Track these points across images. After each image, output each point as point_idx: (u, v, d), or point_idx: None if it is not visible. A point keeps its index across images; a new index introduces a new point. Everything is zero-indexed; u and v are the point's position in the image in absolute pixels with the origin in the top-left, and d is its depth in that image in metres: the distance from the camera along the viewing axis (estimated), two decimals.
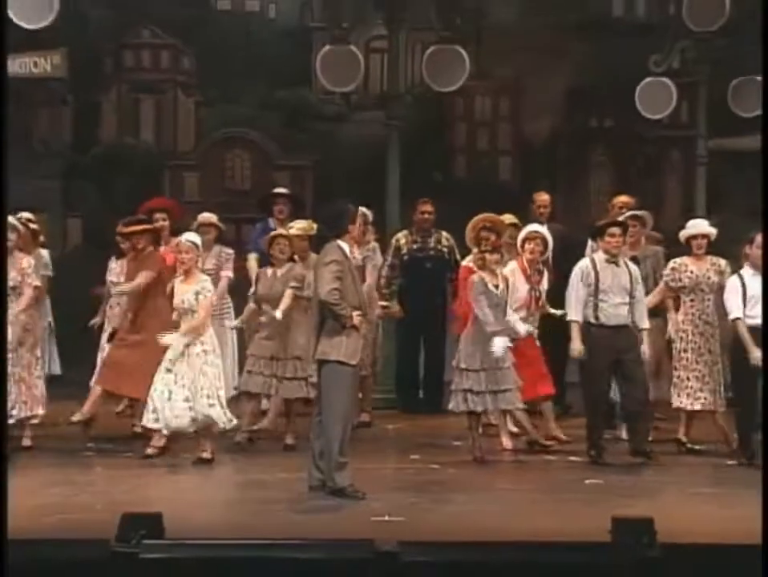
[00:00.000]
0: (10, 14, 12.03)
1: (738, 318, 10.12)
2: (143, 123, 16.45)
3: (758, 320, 10.02)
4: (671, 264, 10.86)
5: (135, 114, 16.44)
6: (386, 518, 8.43)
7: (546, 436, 10.92)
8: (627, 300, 10.38)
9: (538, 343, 10.93)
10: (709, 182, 14.05)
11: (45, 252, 11.87)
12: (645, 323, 10.50)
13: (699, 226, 10.96)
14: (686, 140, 15.04)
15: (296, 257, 11.03)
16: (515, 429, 10.91)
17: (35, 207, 11.96)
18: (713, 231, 10.89)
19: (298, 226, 11.36)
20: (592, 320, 10.34)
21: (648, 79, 14.06)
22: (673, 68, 14.22)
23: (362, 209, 11.91)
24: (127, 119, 16.40)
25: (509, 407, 10.49)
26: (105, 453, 10.63)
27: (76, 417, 10.80)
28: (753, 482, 9.69)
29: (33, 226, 11.65)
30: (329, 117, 16.25)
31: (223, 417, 10.22)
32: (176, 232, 11.07)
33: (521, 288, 10.79)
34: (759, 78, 14.19)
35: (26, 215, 11.69)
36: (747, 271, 10.25)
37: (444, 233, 12.58)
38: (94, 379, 11.06)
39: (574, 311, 10.37)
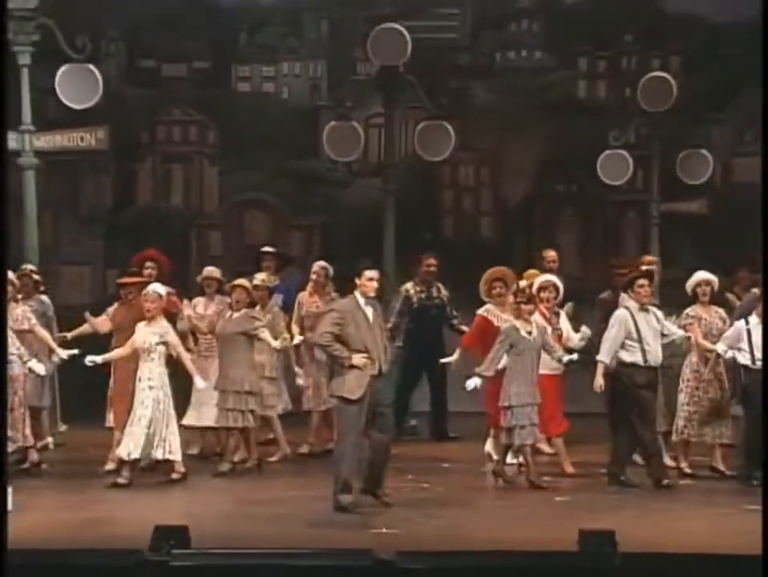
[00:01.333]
0: (61, 97, 12.11)
1: (724, 351, 10.24)
2: (174, 188, 16.48)
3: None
4: (688, 311, 10.69)
5: (166, 181, 16.47)
6: (384, 530, 8.41)
7: (561, 468, 10.66)
8: (659, 341, 10.28)
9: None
10: (662, 240, 14.08)
11: (45, 298, 11.57)
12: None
13: (703, 274, 10.81)
14: (641, 204, 15.05)
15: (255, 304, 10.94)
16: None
17: (82, 261, 11.95)
18: (715, 279, 10.80)
19: (259, 277, 11.35)
20: (641, 363, 10.17)
21: (608, 151, 14.12)
22: (629, 142, 14.28)
23: (323, 264, 11.94)
24: (160, 185, 16.43)
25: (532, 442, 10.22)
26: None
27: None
28: (702, 500, 9.71)
29: (35, 277, 11.45)
30: (334, 183, 16.27)
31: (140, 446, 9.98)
32: (163, 280, 10.92)
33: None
34: (703, 150, 14.31)
35: (29, 266, 11.52)
36: (753, 318, 10.23)
37: (439, 284, 12.59)
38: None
39: (606, 354, 10.20)
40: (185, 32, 16.25)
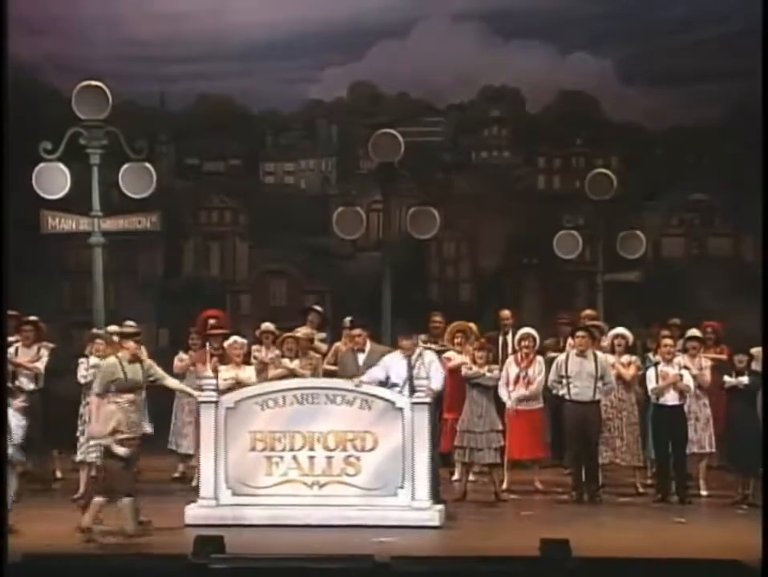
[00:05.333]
0: (123, 189, 12.22)
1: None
2: (212, 261, 16.62)
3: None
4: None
5: (206, 255, 16.62)
6: (382, 539, 8.38)
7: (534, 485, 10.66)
8: (593, 382, 10.19)
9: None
10: (605, 303, 14.14)
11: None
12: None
13: (618, 329, 10.89)
14: (589, 274, 15.11)
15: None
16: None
17: (138, 319, 11.95)
18: (629, 333, 10.84)
19: (302, 331, 11.07)
20: (567, 397, 10.21)
21: (562, 231, 14.03)
22: (579, 224, 14.36)
23: (268, 325, 11.47)
24: (201, 258, 16.58)
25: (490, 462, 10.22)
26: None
27: None
28: (632, 514, 9.67)
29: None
30: (341, 256, 16.37)
31: None
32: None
33: (512, 372, 10.70)
34: (638, 232, 14.41)
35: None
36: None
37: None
38: None
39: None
40: (222, 136, 16.51)
